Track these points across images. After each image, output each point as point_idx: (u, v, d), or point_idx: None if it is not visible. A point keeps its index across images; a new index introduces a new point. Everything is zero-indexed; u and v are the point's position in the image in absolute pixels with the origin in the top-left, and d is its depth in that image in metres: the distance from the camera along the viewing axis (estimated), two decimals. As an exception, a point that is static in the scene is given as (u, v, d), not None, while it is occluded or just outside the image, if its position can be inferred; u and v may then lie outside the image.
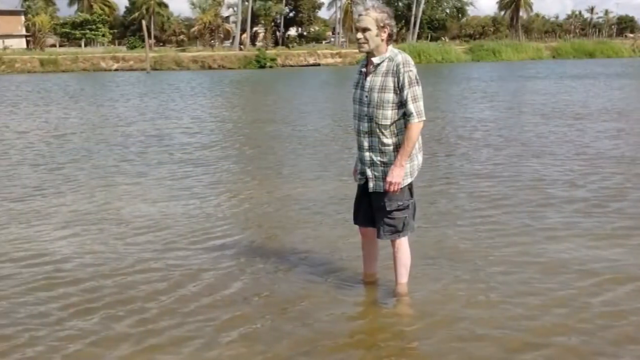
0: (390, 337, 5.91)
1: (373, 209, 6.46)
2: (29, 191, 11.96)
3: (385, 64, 6.12)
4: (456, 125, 20.91)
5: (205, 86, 46.81)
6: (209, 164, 14.57)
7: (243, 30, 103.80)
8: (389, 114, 6.09)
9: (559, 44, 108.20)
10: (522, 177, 12.29)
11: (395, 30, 6.23)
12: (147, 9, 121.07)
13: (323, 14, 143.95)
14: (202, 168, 14.07)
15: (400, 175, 6.13)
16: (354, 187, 6.92)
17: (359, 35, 6.12)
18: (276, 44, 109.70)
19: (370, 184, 6.35)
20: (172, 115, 25.71)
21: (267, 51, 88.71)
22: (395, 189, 6.16)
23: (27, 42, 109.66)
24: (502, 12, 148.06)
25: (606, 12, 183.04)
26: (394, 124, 6.14)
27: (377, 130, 6.17)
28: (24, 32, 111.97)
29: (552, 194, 10.98)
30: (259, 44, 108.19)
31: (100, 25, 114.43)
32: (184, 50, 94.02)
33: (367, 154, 6.32)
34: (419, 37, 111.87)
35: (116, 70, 77.97)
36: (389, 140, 6.18)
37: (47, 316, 6.42)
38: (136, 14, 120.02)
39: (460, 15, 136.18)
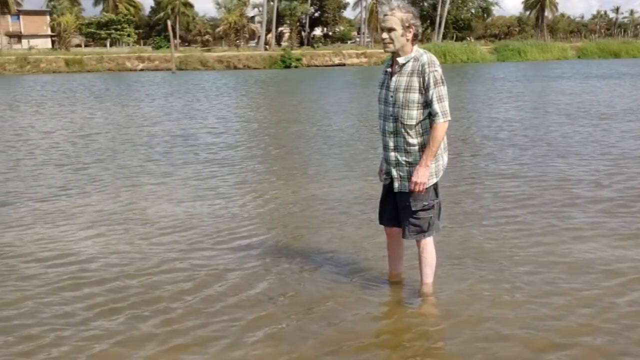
0: (416, 337, 5.90)
1: (398, 209, 6.46)
2: (54, 191, 12.03)
3: (410, 64, 6.11)
4: (481, 125, 20.85)
5: (230, 86, 46.94)
6: (235, 164, 14.60)
7: (268, 30, 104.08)
8: (414, 114, 6.08)
9: (584, 44, 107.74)
10: (547, 177, 12.24)
11: (420, 30, 6.21)
12: (172, 9, 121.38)
13: (348, 14, 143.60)
14: (228, 168, 14.10)
15: (426, 175, 6.12)
16: (379, 187, 6.91)
17: (384, 35, 6.11)
18: (301, 44, 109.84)
19: (396, 184, 6.35)
20: (198, 115, 25.80)
21: (293, 51, 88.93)
22: (421, 189, 6.15)
23: (53, 42, 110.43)
24: (528, 12, 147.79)
25: (631, 12, 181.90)
26: (420, 124, 6.12)
27: (403, 130, 6.16)
28: (49, 32, 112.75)
29: (577, 194, 10.93)
30: (284, 44, 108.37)
31: (126, 25, 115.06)
32: (209, 50, 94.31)
33: (392, 154, 6.31)
34: (444, 37, 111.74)
35: (141, 70, 78.43)
36: (414, 140, 6.16)
37: (73, 316, 6.45)
38: (161, 14, 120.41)
39: (485, 15, 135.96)
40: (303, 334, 5.97)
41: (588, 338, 5.77)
